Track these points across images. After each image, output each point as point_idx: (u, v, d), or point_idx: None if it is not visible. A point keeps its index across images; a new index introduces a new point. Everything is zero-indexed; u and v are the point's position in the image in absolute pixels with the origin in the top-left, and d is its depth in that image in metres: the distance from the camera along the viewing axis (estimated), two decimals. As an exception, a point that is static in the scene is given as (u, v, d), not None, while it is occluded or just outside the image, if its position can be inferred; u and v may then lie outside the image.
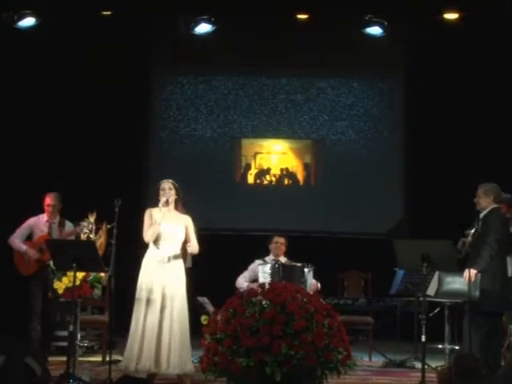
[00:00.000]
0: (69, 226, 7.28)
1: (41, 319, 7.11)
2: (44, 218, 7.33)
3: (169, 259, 5.96)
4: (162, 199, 5.96)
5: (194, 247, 6.07)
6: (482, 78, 9.11)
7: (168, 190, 6.02)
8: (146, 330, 5.81)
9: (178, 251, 6.03)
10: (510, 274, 6.47)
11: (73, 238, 7.10)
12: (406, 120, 9.82)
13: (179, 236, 6.04)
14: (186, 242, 6.07)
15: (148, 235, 5.97)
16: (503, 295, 6.23)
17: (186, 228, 6.07)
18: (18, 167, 8.95)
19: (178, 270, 6.01)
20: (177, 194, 6.07)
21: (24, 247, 7.19)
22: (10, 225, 7.39)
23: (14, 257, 7.25)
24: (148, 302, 5.85)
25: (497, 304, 6.18)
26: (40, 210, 7.37)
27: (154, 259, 5.98)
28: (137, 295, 5.93)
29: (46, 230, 7.29)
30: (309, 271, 7.11)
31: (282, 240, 7.48)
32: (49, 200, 7.29)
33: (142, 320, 5.84)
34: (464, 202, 6.48)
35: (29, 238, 7.30)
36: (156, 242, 5.99)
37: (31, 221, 7.31)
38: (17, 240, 7.23)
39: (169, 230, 5.98)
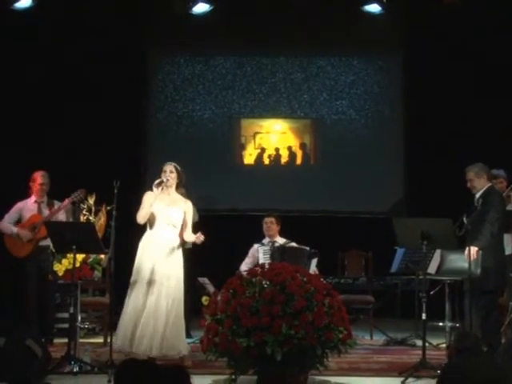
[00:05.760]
0: (57, 205, 7.18)
1: (38, 301, 7.08)
2: (32, 199, 7.22)
3: (164, 241, 5.91)
4: (156, 181, 5.93)
5: (188, 235, 6.03)
6: (483, 54, 9.05)
7: (169, 172, 5.99)
8: (139, 312, 5.75)
9: (174, 234, 5.97)
10: (507, 252, 6.47)
11: (64, 214, 7.06)
12: (406, 98, 9.76)
13: (175, 219, 5.96)
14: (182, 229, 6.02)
15: (139, 216, 5.94)
16: (502, 273, 6.24)
17: (185, 213, 6.02)
18: (16, 150, 8.90)
19: (174, 252, 5.93)
20: (178, 177, 6.03)
21: (15, 229, 7.10)
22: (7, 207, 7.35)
23: (6, 240, 7.17)
24: (143, 284, 5.81)
25: (497, 282, 6.18)
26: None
27: (150, 242, 5.94)
28: (132, 277, 5.88)
29: (35, 210, 7.19)
30: (315, 257, 7.05)
31: (271, 219, 7.41)
32: (40, 179, 7.18)
33: (135, 301, 5.78)
34: (465, 181, 6.44)
35: (18, 222, 7.19)
36: (151, 224, 5.96)
37: (19, 204, 7.22)
38: (6, 224, 7.17)
39: (163, 213, 5.93)
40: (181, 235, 6.02)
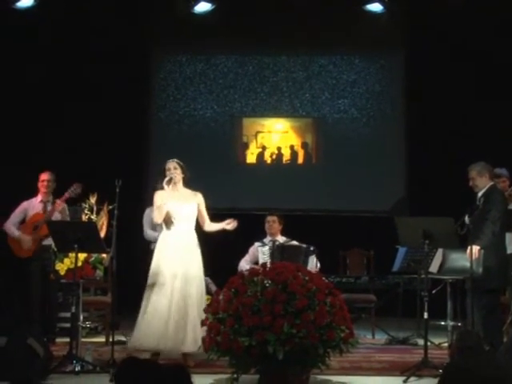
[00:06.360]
0: (63, 206, 7.21)
1: (41, 300, 7.10)
2: (38, 199, 7.25)
3: (181, 240, 5.95)
4: (165, 179, 5.98)
5: (209, 225, 6.13)
6: (483, 54, 9.03)
7: (173, 169, 6.06)
8: (158, 311, 5.77)
9: (190, 230, 6.02)
10: (509, 251, 6.45)
11: (59, 214, 7.06)
12: (408, 97, 9.75)
13: (189, 215, 6.03)
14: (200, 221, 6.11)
15: (155, 216, 6.00)
16: (504, 272, 6.23)
17: (198, 205, 6.09)
18: (18, 150, 8.91)
19: (193, 249, 5.99)
20: (183, 172, 6.09)
21: (17, 233, 7.14)
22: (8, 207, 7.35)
23: (9, 239, 7.21)
24: (163, 284, 5.83)
25: (499, 281, 6.17)
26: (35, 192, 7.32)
27: (167, 243, 5.98)
28: (150, 280, 5.90)
29: (40, 210, 7.20)
30: (312, 254, 7.06)
31: (273, 218, 7.42)
32: (44, 176, 7.23)
33: (155, 301, 5.81)
34: (466, 179, 6.43)
35: (23, 222, 7.23)
36: (166, 223, 5.99)
37: (24, 204, 7.25)
38: (11, 226, 7.18)
39: (176, 210, 5.97)
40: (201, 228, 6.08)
